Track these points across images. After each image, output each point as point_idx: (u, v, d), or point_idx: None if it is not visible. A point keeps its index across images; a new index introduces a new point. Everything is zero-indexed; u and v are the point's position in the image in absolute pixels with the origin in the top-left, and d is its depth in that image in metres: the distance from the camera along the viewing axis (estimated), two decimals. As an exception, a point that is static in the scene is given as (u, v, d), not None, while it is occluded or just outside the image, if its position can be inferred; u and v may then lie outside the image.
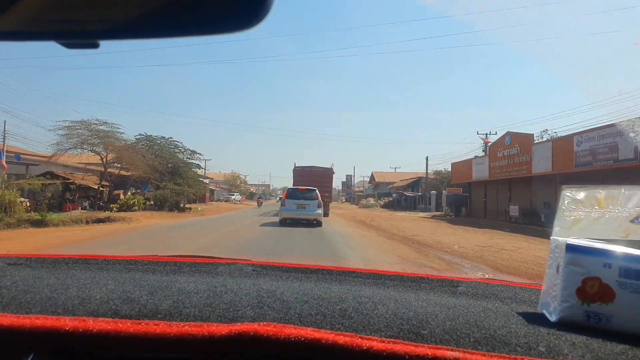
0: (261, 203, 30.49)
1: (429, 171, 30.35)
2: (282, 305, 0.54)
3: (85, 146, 16.43)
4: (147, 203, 18.13)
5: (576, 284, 0.52)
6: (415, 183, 36.20)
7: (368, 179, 56.38)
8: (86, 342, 0.46)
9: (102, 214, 13.27)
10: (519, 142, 15.61)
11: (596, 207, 0.57)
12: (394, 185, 40.97)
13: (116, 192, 19.42)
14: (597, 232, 0.55)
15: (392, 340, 0.45)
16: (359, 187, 61.81)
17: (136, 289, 0.59)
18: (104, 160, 17.06)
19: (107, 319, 0.49)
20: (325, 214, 14.59)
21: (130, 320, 0.49)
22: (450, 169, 26.81)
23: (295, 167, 21.05)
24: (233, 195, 46.05)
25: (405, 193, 34.38)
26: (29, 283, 0.61)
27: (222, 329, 0.46)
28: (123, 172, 18.88)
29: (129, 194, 18.79)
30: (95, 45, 0.39)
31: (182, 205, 20.27)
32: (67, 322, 0.47)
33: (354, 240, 8.48)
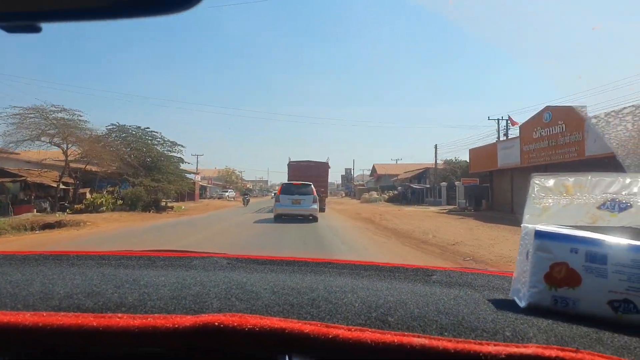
0: (248, 201, 25.76)
1: (437, 161, 28.42)
2: (250, 296, 0.56)
3: (43, 138, 14.29)
4: (118, 203, 16.12)
5: (544, 269, 0.56)
6: (422, 174, 33.87)
7: (369, 172, 55.24)
8: (47, 337, 0.47)
9: (54, 218, 11.76)
10: (564, 118, 12.86)
11: (564, 195, 0.61)
12: (398, 177, 39.42)
13: (82, 190, 17.37)
14: (566, 219, 0.59)
15: (359, 328, 0.47)
16: (358, 181, 61.32)
17: (102, 283, 0.61)
18: (66, 154, 14.94)
19: (68, 313, 0.49)
20: (321, 209, 14.81)
21: (92, 314, 0.49)
22: (460, 159, 25.46)
23: (290, 161, 21.40)
24: (227, 192, 45.14)
25: (412, 185, 32.12)
26: None
27: (186, 320, 0.47)
28: (91, 168, 16.81)
29: (104, 192, 16.80)
30: (37, 29, 0.40)
31: (162, 204, 18.32)
32: (27, 318, 0.47)
33: (369, 253, 6.62)
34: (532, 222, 0.61)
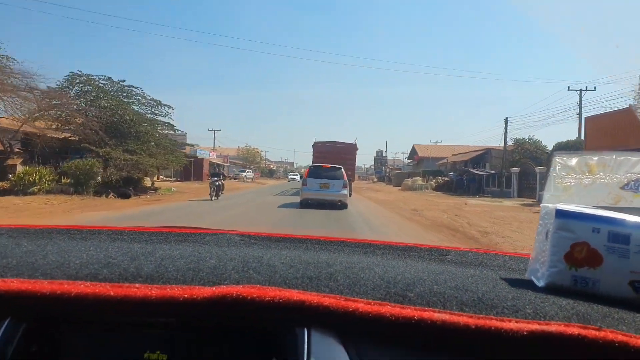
0: (218, 188, 16.71)
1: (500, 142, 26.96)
2: (268, 270, 0.65)
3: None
4: (64, 181, 13.14)
5: (565, 249, 0.65)
6: (480, 158, 30.36)
7: (407, 155, 56.85)
8: (64, 305, 0.54)
9: None
10: None
11: (587, 174, 0.68)
12: (448, 160, 37.04)
13: (12, 162, 13.94)
14: (588, 199, 0.68)
15: (378, 302, 0.54)
16: (393, 165, 63.23)
17: (118, 255, 0.71)
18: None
19: (86, 282, 0.56)
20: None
21: (110, 283, 0.56)
22: (534, 138, 23.45)
23: (315, 142, 22.19)
24: (244, 172, 46.04)
25: (473, 171, 28.01)
26: (7, 249, 0.71)
27: (204, 291, 0.54)
28: (33, 130, 13.77)
29: (50, 167, 13.69)
30: None
31: (147, 183, 16.39)
32: (45, 286, 0.54)
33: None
34: (552, 202, 0.69)
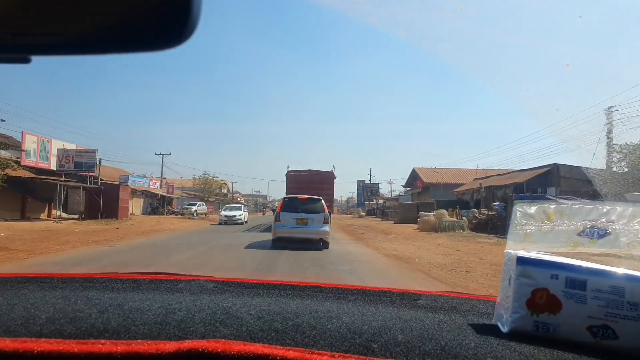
0: None
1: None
2: (235, 322, 0.78)
3: None
4: None
5: (526, 295, 0.79)
6: (542, 178, 24.24)
7: (401, 181, 54.83)
8: None
9: None
10: None
11: (546, 221, 0.83)
12: (481, 185, 28.10)
13: None
14: (547, 245, 0.82)
15: (342, 354, 0.65)
16: (387, 195, 63.30)
17: (86, 308, 0.82)
18: None
19: (50, 339, 0.66)
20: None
21: (75, 340, 0.67)
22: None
23: (288, 171, 23.17)
24: (195, 205, 43.44)
25: (553, 197, 18.84)
26: None
27: (170, 346, 0.64)
28: None
29: None
30: (27, 60, 0.60)
31: None
32: (7, 344, 0.63)
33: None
34: (514, 248, 0.84)
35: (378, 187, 60.91)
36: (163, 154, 55.21)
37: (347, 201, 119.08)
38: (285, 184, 22.69)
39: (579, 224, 0.85)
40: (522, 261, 0.80)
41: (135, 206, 43.16)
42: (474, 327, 0.83)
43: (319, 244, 12.87)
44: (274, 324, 0.76)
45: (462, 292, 1.31)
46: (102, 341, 0.66)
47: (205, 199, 60.68)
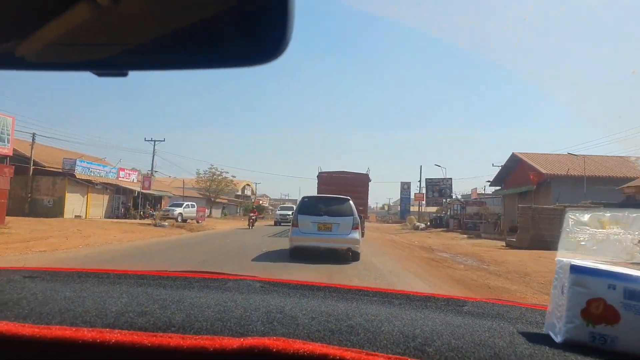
0: None
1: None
2: (291, 321, 1.01)
3: None
4: None
5: (581, 305, 0.95)
6: None
7: (487, 182, 48.28)
8: (104, 353, 0.85)
9: None
10: None
11: (600, 230, 1.02)
12: None
13: None
14: (602, 254, 0.99)
15: (398, 357, 0.86)
16: (461, 195, 57.82)
17: (149, 303, 1.08)
18: None
19: (123, 331, 0.89)
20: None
21: (145, 332, 0.89)
22: None
23: (320, 172, 27.23)
24: (180, 206, 41.68)
25: None
26: (46, 295, 1.11)
27: (233, 342, 0.85)
28: None
29: None
30: (125, 74, 0.86)
31: None
32: (86, 334, 0.86)
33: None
34: (566, 257, 1.01)
35: (451, 183, 56.43)
36: (155, 140, 53.27)
37: (389, 207, 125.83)
38: (317, 187, 26.19)
39: (636, 233, 1.02)
40: (575, 269, 0.98)
41: (92, 205, 39.12)
42: (525, 335, 1.02)
43: (347, 255, 12.72)
44: (328, 325, 0.99)
45: (507, 299, 1.56)
46: (171, 335, 0.90)
47: (213, 199, 60.72)
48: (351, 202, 13.38)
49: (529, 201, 33.58)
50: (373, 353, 0.88)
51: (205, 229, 32.13)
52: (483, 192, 52.83)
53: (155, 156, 54.43)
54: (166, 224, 32.21)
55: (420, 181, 68.57)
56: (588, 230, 1.07)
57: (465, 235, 34.10)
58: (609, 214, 1.07)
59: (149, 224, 32.50)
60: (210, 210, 60.71)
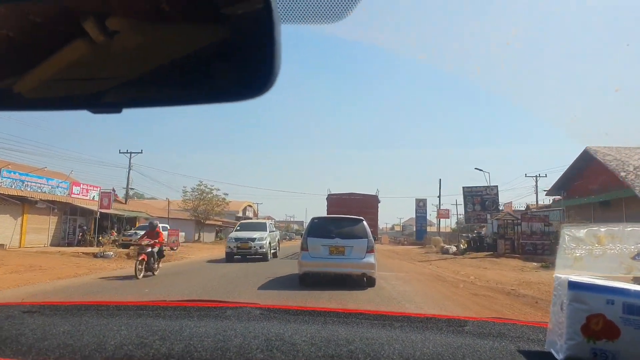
0: None
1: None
2: (291, 348, 1.18)
3: None
4: None
5: (581, 321, 1.10)
6: None
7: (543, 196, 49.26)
8: None
9: None
10: None
11: (597, 245, 1.23)
12: None
13: None
14: (599, 269, 1.18)
15: None
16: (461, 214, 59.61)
17: (149, 334, 1.26)
18: None
19: None
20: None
21: None
22: None
23: (329, 194, 29.97)
24: (140, 229, 35.68)
25: None
26: (45, 330, 1.31)
27: None
28: None
29: None
30: (119, 111, 1.04)
31: None
32: None
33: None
34: (563, 273, 1.17)
35: (497, 192, 51.45)
36: (131, 152, 52.71)
37: (402, 228, 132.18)
38: (326, 208, 28.51)
39: (633, 247, 1.16)
40: (573, 286, 1.12)
41: (31, 229, 34.79)
42: (526, 354, 1.17)
43: (362, 281, 13.15)
44: (328, 350, 1.14)
45: (508, 318, 1.70)
46: None
47: (203, 221, 58.97)
48: (365, 222, 14.07)
49: (616, 211, 32.90)
50: None
51: (171, 260, 28.41)
52: (514, 209, 51.04)
53: (131, 171, 51.88)
54: (111, 253, 29.66)
55: (439, 197, 68.11)
56: (584, 246, 1.25)
57: (535, 264, 28.90)
58: (604, 229, 1.24)
59: (93, 254, 30.19)
60: (199, 234, 58.50)
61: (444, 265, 29.45)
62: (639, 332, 1.08)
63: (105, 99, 1.03)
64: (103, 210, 41.69)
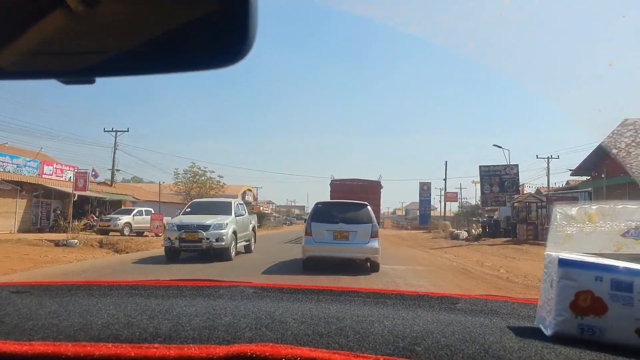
0: None
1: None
2: (280, 326, 1.26)
3: None
4: None
5: (569, 297, 1.24)
6: None
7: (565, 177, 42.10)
8: None
9: None
10: None
11: (588, 223, 1.37)
12: None
13: None
14: (590, 247, 1.32)
15: (387, 357, 1.11)
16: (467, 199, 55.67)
17: (137, 314, 1.34)
18: None
19: (107, 343, 1.10)
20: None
21: (130, 344, 1.10)
22: None
23: (332, 180, 32.50)
24: (128, 213, 39.17)
25: None
26: (31, 310, 1.40)
27: (220, 350, 1.07)
28: None
29: None
30: (92, 81, 1.09)
31: None
32: (69, 348, 1.07)
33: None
34: (555, 250, 1.28)
35: (517, 172, 49.89)
36: (117, 131, 53.22)
37: (406, 212, 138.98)
38: (329, 194, 30.70)
39: (623, 224, 1.24)
40: (564, 263, 1.21)
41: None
42: (515, 330, 1.24)
43: (365, 265, 13.98)
44: (318, 328, 1.20)
45: (500, 295, 1.71)
46: (156, 345, 1.06)
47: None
48: (369, 207, 14.79)
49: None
50: (362, 355, 1.08)
51: (151, 248, 27.03)
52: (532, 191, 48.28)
53: (116, 151, 50.46)
54: (75, 241, 27.77)
55: (445, 179, 68.65)
56: (576, 223, 1.35)
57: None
58: (595, 207, 1.32)
59: (55, 242, 28.45)
60: None
61: (462, 254, 28.07)
62: (626, 308, 1.18)
63: (75, 67, 1.10)
64: (80, 193, 40.10)
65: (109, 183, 51.07)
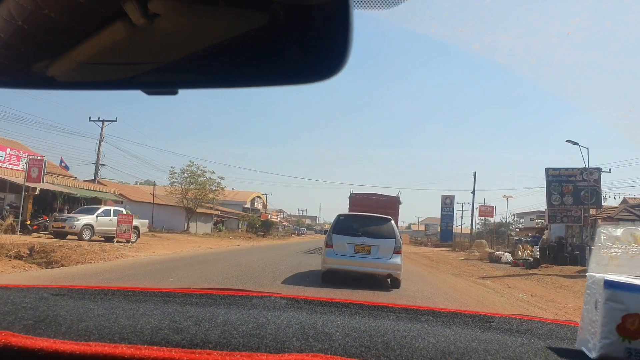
0: None
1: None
2: (326, 337, 1.50)
3: None
4: None
5: (616, 320, 1.43)
6: None
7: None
8: None
9: None
10: None
11: (633, 245, 1.59)
12: None
13: None
14: (635, 269, 1.54)
15: None
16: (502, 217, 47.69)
17: (182, 320, 1.63)
18: None
19: (161, 347, 1.35)
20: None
21: (182, 349, 1.35)
22: None
23: (352, 194, 36.94)
24: (87, 215, 33.98)
25: None
26: (80, 312, 1.72)
27: (272, 358, 1.31)
28: None
29: None
30: (174, 92, 1.35)
31: None
32: (125, 350, 1.33)
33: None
34: (598, 271, 1.50)
35: (599, 177, 44.12)
36: (103, 120, 52.54)
37: (426, 227, 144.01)
38: (348, 208, 32.78)
39: None
40: (610, 285, 1.31)
41: None
42: (556, 351, 1.33)
43: (386, 282, 13.86)
44: (363, 341, 1.31)
45: (533, 315, 1.91)
46: (209, 351, 1.20)
47: (193, 208, 59.99)
48: (393, 222, 15.34)
49: None
50: None
51: (102, 260, 24.52)
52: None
53: (102, 143, 48.74)
54: (86, 237, 25.04)
55: (473, 192, 66.95)
56: (621, 245, 1.41)
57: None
58: None
59: None
60: (188, 224, 55.68)
61: (539, 292, 22.97)
62: None
63: (160, 80, 1.20)
64: (32, 184, 38.90)
65: (105, 183, 48.93)
